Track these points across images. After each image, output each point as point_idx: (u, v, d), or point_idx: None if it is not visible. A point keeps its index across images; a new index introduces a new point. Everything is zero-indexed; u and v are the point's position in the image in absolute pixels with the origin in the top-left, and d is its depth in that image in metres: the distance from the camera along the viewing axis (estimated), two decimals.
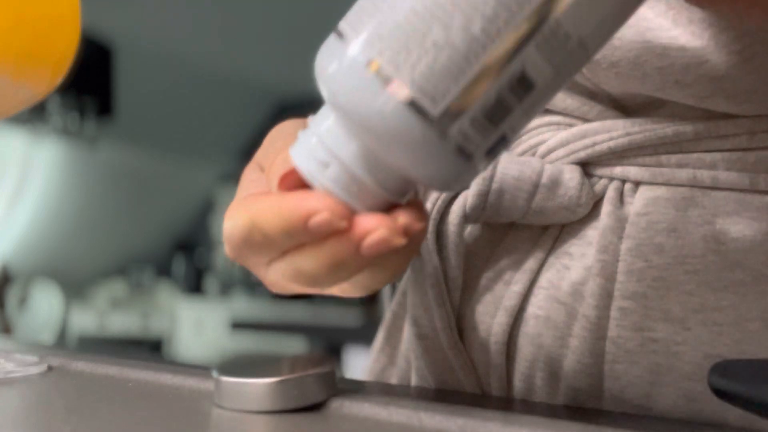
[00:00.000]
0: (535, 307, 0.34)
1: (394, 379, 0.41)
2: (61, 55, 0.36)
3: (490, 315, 0.35)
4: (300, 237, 0.24)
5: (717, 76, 0.29)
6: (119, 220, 4.40)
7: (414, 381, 0.39)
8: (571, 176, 0.33)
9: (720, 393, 0.24)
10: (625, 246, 0.32)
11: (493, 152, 0.23)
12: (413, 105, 0.21)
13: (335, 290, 0.28)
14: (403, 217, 0.24)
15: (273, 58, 3.83)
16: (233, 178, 4.89)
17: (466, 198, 0.34)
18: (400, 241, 0.24)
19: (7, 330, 3.68)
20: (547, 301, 0.34)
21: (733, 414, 0.30)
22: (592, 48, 0.23)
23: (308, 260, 0.24)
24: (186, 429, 0.24)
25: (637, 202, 0.32)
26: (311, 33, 3.49)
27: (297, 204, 0.24)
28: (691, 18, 0.29)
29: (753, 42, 0.29)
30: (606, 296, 0.32)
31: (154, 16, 3.48)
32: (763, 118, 0.30)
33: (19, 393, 0.30)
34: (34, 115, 3.56)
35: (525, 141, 0.35)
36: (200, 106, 4.35)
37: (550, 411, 0.30)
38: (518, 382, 0.35)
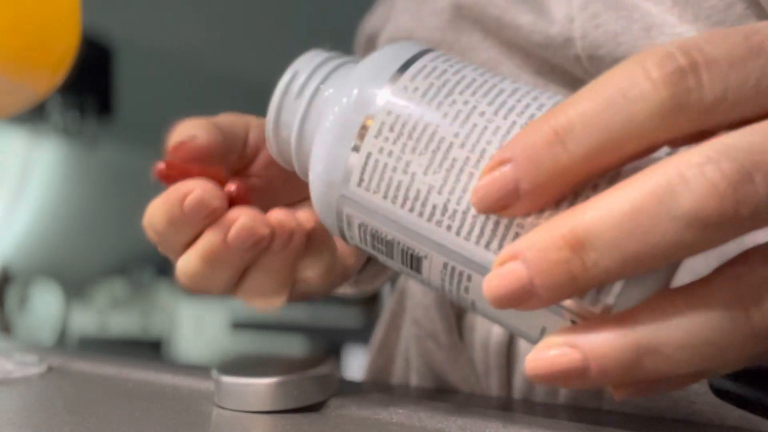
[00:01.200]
0: None
1: (392, 378, 0.42)
2: (61, 55, 0.36)
3: None
4: (182, 227, 0.24)
5: None
6: (119, 220, 4.40)
7: (414, 381, 0.39)
8: None
9: (719, 392, 0.24)
10: None
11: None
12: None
13: (247, 298, 0.28)
14: (280, 214, 0.25)
15: (273, 58, 3.83)
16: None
17: None
18: (263, 230, 0.24)
19: (7, 330, 3.68)
20: None
21: (733, 415, 0.30)
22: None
23: (187, 256, 0.25)
24: (186, 429, 0.24)
25: None
26: (311, 33, 3.50)
27: (175, 189, 0.25)
28: (697, 15, 0.29)
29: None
30: None
31: (154, 16, 3.48)
32: None
33: (19, 393, 0.30)
34: (34, 115, 3.56)
35: None
36: (200, 106, 4.34)
37: (550, 411, 0.30)
38: (519, 383, 0.35)
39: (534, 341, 0.21)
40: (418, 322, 0.36)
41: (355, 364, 1.84)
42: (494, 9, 0.35)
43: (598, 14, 0.31)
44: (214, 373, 0.28)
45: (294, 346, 3.09)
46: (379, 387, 0.32)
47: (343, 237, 0.24)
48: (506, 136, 0.20)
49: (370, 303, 3.50)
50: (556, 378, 0.18)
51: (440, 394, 0.35)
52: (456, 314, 0.36)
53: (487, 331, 0.36)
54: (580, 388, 0.21)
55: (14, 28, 0.34)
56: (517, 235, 0.19)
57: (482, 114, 0.20)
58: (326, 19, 3.50)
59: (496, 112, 0.20)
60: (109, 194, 4.27)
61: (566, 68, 0.33)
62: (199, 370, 0.35)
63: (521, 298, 0.17)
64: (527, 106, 0.20)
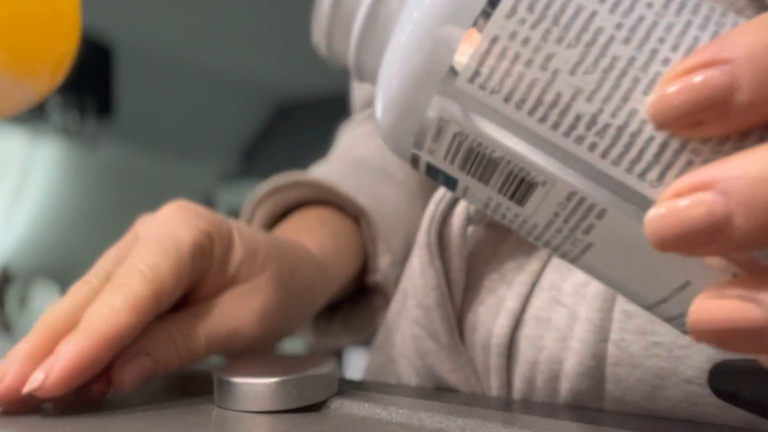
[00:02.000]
0: (536, 309, 0.34)
1: (392, 378, 0.42)
2: (61, 55, 0.36)
3: (492, 316, 0.35)
4: None
5: None
6: (119, 220, 4.39)
7: (414, 381, 0.39)
8: None
9: (719, 393, 0.24)
10: None
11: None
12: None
13: None
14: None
15: (272, 58, 3.83)
16: (233, 178, 4.89)
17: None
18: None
19: (7, 330, 3.68)
20: (548, 303, 0.34)
21: (734, 417, 0.30)
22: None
23: None
24: (186, 429, 0.24)
25: None
26: (310, 34, 3.50)
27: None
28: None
29: None
30: (609, 299, 0.32)
31: (154, 16, 3.48)
32: None
33: None
34: (34, 115, 3.56)
35: None
36: (200, 106, 4.34)
37: (550, 411, 0.30)
38: (519, 384, 0.35)
39: (656, 300, 0.18)
40: (418, 322, 0.36)
41: (355, 364, 1.84)
42: None
43: None
44: (214, 373, 0.28)
45: (294, 346, 3.08)
46: (379, 387, 0.32)
47: (414, 159, 0.19)
48: (682, 36, 0.16)
49: None
50: (732, 338, 0.15)
51: (440, 394, 0.35)
52: (457, 315, 0.36)
53: (488, 332, 0.35)
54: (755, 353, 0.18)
55: (14, 28, 0.34)
56: (689, 165, 0.16)
57: (650, 5, 0.16)
58: None
59: (666, 5, 0.16)
60: (109, 194, 4.27)
61: None
62: (199, 370, 0.35)
63: (704, 239, 0.14)
64: (698, 3, 0.17)
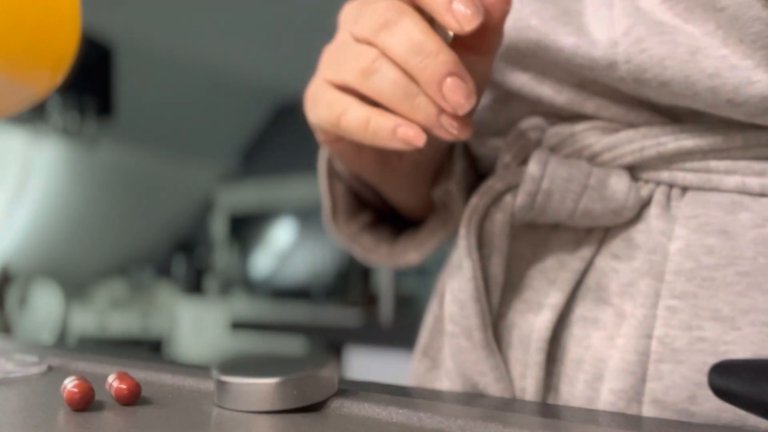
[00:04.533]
0: (583, 308, 0.34)
1: (438, 383, 0.40)
2: (61, 55, 0.36)
3: (533, 312, 0.35)
4: None
5: (767, 95, 0.29)
6: (119, 220, 4.40)
7: (445, 385, 0.38)
8: (618, 179, 0.33)
9: (720, 392, 0.24)
10: (674, 246, 0.32)
11: None
12: None
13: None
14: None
15: (272, 58, 3.83)
16: (233, 178, 4.89)
17: (515, 196, 0.34)
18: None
19: (7, 330, 3.68)
20: (595, 302, 0.34)
21: (733, 417, 0.30)
22: None
23: None
24: (186, 429, 0.24)
25: (686, 205, 0.32)
26: (310, 34, 3.50)
27: None
28: (742, 38, 0.30)
29: None
30: (653, 295, 0.32)
31: (154, 16, 3.48)
32: None
33: (19, 393, 0.30)
34: (34, 115, 3.56)
35: (570, 144, 0.35)
36: (200, 106, 4.35)
37: (550, 411, 0.30)
38: (560, 385, 0.34)
39: None
40: (453, 318, 0.35)
41: (355, 364, 1.84)
42: (534, 33, 0.35)
43: (642, 39, 0.31)
44: (214, 373, 0.28)
45: (294, 346, 3.09)
46: (379, 387, 0.32)
47: None
48: None
49: (370, 303, 3.50)
50: None
51: (440, 394, 0.35)
52: (494, 314, 0.36)
53: (529, 327, 0.35)
54: None
55: (14, 28, 0.34)
56: None
57: None
58: (325, 21, 3.50)
59: None
60: (109, 194, 4.27)
61: (609, 84, 0.33)
62: (199, 370, 0.35)
63: None
64: None
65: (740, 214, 0.31)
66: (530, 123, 0.36)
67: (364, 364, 1.83)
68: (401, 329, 1.76)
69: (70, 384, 0.27)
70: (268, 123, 4.82)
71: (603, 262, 0.34)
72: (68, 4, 0.36)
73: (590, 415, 0.29)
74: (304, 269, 4.51)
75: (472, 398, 0.33)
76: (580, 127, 0.35)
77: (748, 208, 0.31)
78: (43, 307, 3.96)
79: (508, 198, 0.34)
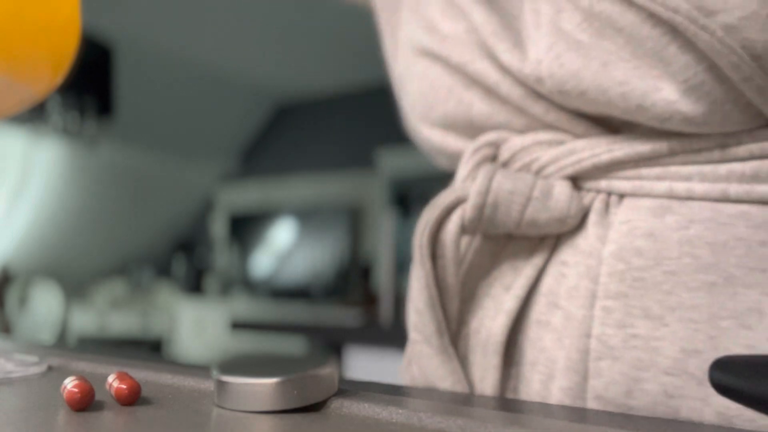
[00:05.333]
0: (537, 313, 0.36)
1: None
2: (61, 55, 0.36)
3: (491, 318, 0.37)
4: None
5: (671, 100, 0.32)
6: (119, 220, 4.40)
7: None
8: (561, 190, 0.35)
9: (721, 388, 0.24)
10: (607, 250, 0.34)
11: None
12: None
13: None
14: None
15: (272, 58, 3.83)
16: (233, 178, 4.89)
17: (464, 210, 0.36)
18: None
19: (7, 330, 3.68)
20: (547, 307, 0.36)
21: (711, 410, 0.31)
22: None
23: None
24: (186, 429, 0.24)
25: (622, 212, 0.35)
26: (310, 34, 3.50)
27: None
28: (645, 52, 0.32)
29: (698, 71, 0.31)
30: (591, 296, 0.34)
31: (154, 16, 3.48)
32: (734, 133, 0.32)
33: (19, 393, 0.30)
34: (34, 115, 3.56)
35: (520, 159, 0.37)
36: (200, 106, 4.35)
37: (550, 411, 0.30)
38: (521, 386, 0.36)
39: None
40: (415, 326, 0.38)
41: (355, 364, 1.84)
42: (458, 58, 0.39)
43: (560, 54, 0.34)
44: (214, 373, 0.28)
45: (294, 346, 3.09)
46: (379, 387, 0.32)
47: None
48: None
49: (370, 303, 3.50)
50: None
51: (440, 394, 0.35)
52: (456, 320, 0.38)
53: (487, 332, 0.37)
54: None
55: (14, 28, 0.34)
56: None
57: None
58: (325, 21, 3.50)
59: None
60: (109, 194, 4.27)
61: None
62: (199, 370, 0.35)
63: None
64: None
65: (666, 217, 0.33)
66: (486, 139, 0.38)
67: (364, 364, 1.83)
68: (401, 329, 1.76)
69: (70, 384, 0.27)
70: (268, 123, 4.82)
71: (553, 268, 0.36)
72: (68, 4, 0.36)
73: (594, 415, 0.29)
74: (304, 269, 4.51)
75: (472, 398, 0.33)
76: (528, 140, 0.37)
77: (675, 212, 0.33)
78: (43, 307, 3.96)
79: (458, 212, 0.37)
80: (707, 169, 0.33)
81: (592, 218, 0.35)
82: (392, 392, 0.30)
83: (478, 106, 0.39)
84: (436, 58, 0.41)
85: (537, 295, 0.36)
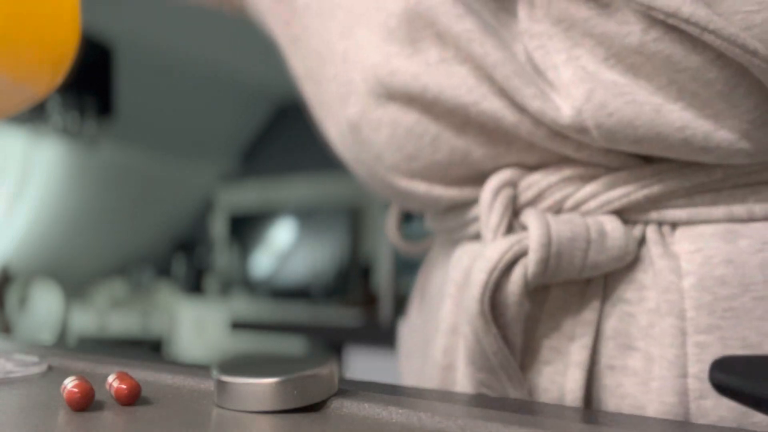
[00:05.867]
0: (607, 357, 0.34)
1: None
2: (61, 55, 0.36)
3: (561, 374, 0.35)
4: None
5: (734, 139, 0.30)
6: (119, 220, 4.40)
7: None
8: (613, 226, 0.33)
9: (720, 388, 0.24)
10: (687, 283, 0.32)
11: None
12: None
13: None
14: None
15: (272, 58, 3.82)
16: (233, 178, 4.89)
17: (526, 266, 0.33)
18: None
19: (7, 330, 3.68)
20: (619, 350, 0.34)
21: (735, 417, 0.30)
22: None
23: None
24: (186, 429, 0.24)
25: (682, 241, 0.33)
26: None
27: None
28: (696, 92, 0.30)
29: (764, 111, 0.30)
30: (679, 334, 0.32)
31: (154, 16, 3.48)
32: None
33: (19, 393, 0.30)
34: (34, 115, 3.56)
35: (548, 196, 0.35)
36: (200, 106, 4.35)
37: (550, 411, 0.30)
38: None
39: None
40: (484, 383, 0.36)
41: (355, 364, 1.84)
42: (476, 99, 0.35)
43: (605, 103, 0.31)
44: (214, 373, 0.28)
45: (294, 346, 3.09)
46: (379, 387, 0.32)
47: None
48: None
49: (370, 303, 3.50)
50: None
51: (440, 394, 0.35)
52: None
53: (560, 390, 0.35)
54: None
55: (14, 28, 0.34)
56: None
57: None
58: None
59: None
60: (109, 194, 4.27)
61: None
62: (199, 370, 0.35)
63: None
64: None
65: (738, 241, 0.32)
66: (501, 178, 0.35)
67: (364, 364, 1.83)
68: None
69: (70, 384, 0.27)
70: (268, 123, 4.82)
71: (615, 307, 0.34)
72: (68, 4, 0.36)
73: (594, 415, 0.29)
74: (304, 269, 4.51)
75: (472, 398, 0.33)
76: (555, 177, 0.35)
77: (745, 235, 0.32)
78: (43, 307, 3.96)
79: (520, 269, 0.34)
80: (762, 189, 0.32)
81: (654, 251, 0.33)
82: (392, 392, 0.30)
83: (479, 151, 0.36)
84: (412, 100, 0.36)
85: (602, 339, 0.34)
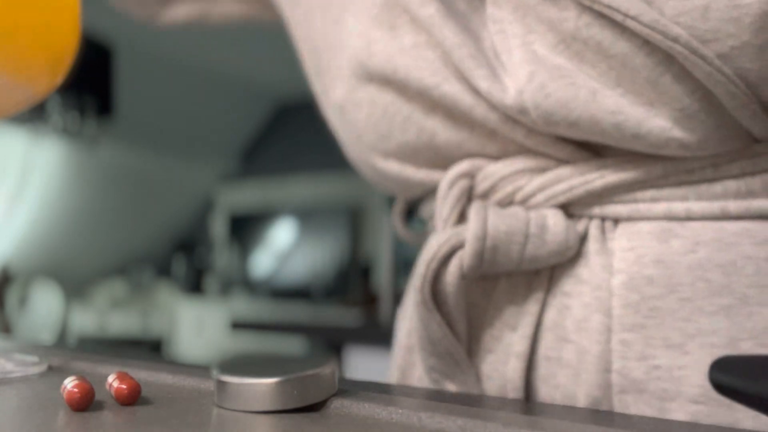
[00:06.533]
0: (545, 348, 0.35)
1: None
2: (61, 55, 0.36)
3: (502, 363, 0.36)
4: None
5: (666, 127, 0.31)
6: (119, 220, 4.40)
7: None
8: (556, 221, 0.34)
9: (720, 388, 0.24)
10: (617, 281, 0.33)
11: None
12: None
13: None
14: None
15: (272, 58, 3.83)
16: (233, 178, 4.89)
17: (462, 258, 0.35)
18: None
19: (7, 330, 3.68)
20: (556, 342, 0.35)
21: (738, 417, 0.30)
22: None
23: None
24: (186, 429, 0.24)
25: (621, 237, 0.34)
26: None
27: None
28: (634, 79, 0.31)
29: (694, 100, 0.30)
30: (605, 330, 0.33)
31: None
32: (726, 151, 0.32)
33: (19, 393, 0.30)
34: (34, 115, 3.56)
35: (501, 188, 0.36)
36: (200, 106, 4.35)
37: (550, 411, 0.30)
38: None
39: None
40: (435, 368, 0.37)
41: (355, 364, 1.84)
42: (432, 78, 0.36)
43: (545, 84, 0.32)
44: (214, 373, 0.28)
45: (294, 346, 3.09)
46: (379, 387, 0.32)
47: None
48: None
49: (370, 303, 3.50)
50: None
51: (440, 394, 0.35)
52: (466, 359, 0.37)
53: (501, 378, 0.36)
54: None
55: (14, 28, 0.34)
56: None
57: None
58: None
59: None
60: (109, 194, 4.27)
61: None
62: (199, 370, 0.35)
63: None
64: None
65: (671, 241, 0.33)
66: (459, 169, 0.36)
67: (364, 364, 1.83)
68: None
69: (70, 384, 0.27)
70: (268, 123, 4.82)
71: (555, 300, 0.35)
72: (68, 4, 0.36)
73: (593, 415, 0.29)
74: (304, 269, 4.51)
75: (472, 398, 0.33)
76: (509, 169, 0.35)
77: (679, 235, 0.33)
78: (43, 307, 3.96)
79: (456, 260, 0.35)
80: (702, 188, 0.32)
81: (592, 247, 0.34)
82: (392, 392, 0.30)
83: (443, 134, 0.36)
84: (387, 82, 0.37)
85: (542, 330, 0.35)
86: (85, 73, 2.80)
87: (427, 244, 0.35)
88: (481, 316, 0.37)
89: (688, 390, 0.31)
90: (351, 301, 3.97)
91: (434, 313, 0.35)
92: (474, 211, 0.35)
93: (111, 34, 3.64)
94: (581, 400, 0.33)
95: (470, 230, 0.34)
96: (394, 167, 0.40)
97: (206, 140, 4.60)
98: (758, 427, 0.30)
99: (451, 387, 0.37)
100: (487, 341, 0.37)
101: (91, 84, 3.67)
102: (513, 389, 0.35)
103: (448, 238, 0.35)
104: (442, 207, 0.37)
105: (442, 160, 0.38)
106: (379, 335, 1.81)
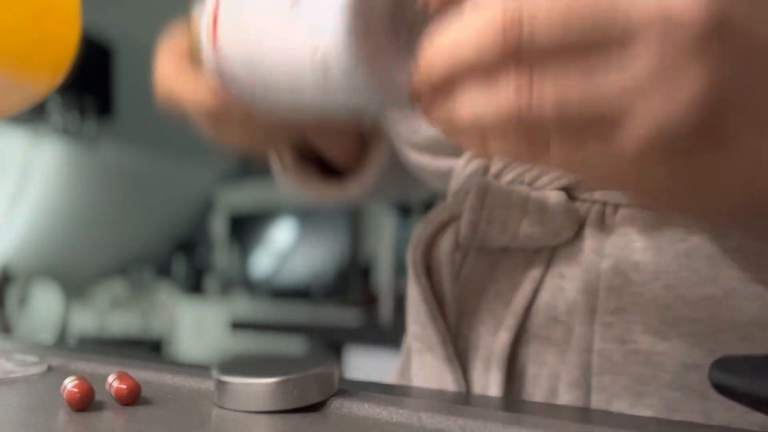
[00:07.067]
0: (536, 327, 0.36)
1: None
2: (61, 55, 0.36)
3: (491, 334, 0.37)
4: None
5: None
6: (119, 220, 4.40)
7: None
8: (557, 201, 0.35)
9: (720, 388, 0.24)
10: (605, 264, 0.33)
11: None
12: None
13: None
14: None
15: None
16: (233, 178, 4.89)
17: (458, 226, 0.36)
18: None
19: (7, 330, 3.68)
20: (547, 321, 0.35)
21: (717, 421, 0.31)
22: None
23: None
24: (186, 429, 0.24)
25: (617, 223, 0.34)
26: None
27: None
28: None
29: None
30: (590, 312, 0.33)
31: (154, 16, 3.48)
32: None
33: (19, 393, 0.30)
34: (34, 115, 3.56)
35: (512, 169, 0.37)
36: None
37: (550, 411, 0.30)
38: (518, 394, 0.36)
39: None
40: (417, 336, 0.38)
41: (355, 364, 1.84)
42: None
43: None
44: (214, 373, 0.28)
45: (294, 346, 3.09)
46: (379, 387, 0.32)
47: None
48: None
49: (370, 303, 3.50)
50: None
51: (440, 394, 0.35)
52: (453, 333, 0.38)
53: (488, 348, 0.37)
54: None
55: (14, 28, 0.34)
56: None
57: None
58: None
59: None
60: (109, 194, 4.27)
61: None
62: (199, 370, 0.35)
63: None
64: None
65: (665, 229, 0.33)
66: None
67: (364, 364, 1.83)
68: (401, 329, 1.76)
69: (70, 384, 0.27)
70: None
71: (551, 281, 0.36)
72: (68, 4, 0.36)
73: (593, 415, 0.29)
74: (304, 269, 4.51)
75: (472, 398, 0.33)
76: None
77: (673, 223, 0.33)
78: (43, 307, 3.96)
79: (452, 227, 0.36)
80: None
81: (588, 230, 0.34)
82: (392, 392, 0.30)
83: None
84: None
85: (536, 309, 0.36)
86: (85, 73, 2.81)
87: (429, 213, 0.37)
88: (480, 290, 0.38)
89: (664, 376, 0.32)
90: (351, 301, 3.97)
91: (421, 277, 0.36)
92: (477, 184, 0.36)
93: (111, 34, 3.64)
94: (563, 378, 0.34)
95: (468, 201, 0.36)
96: (426, 160, 0.42)
97: (206, 140, 4.59)
98: (731, 420, 0.30)
99: (429, 359, 0.37)
100: (481, 313, 0.38)
101: (91, 84, 3.67)
102: (498, 360, 0.36)
103: (448, 205, 0.37)
104: (454, 182, 0.39)
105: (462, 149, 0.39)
106: (379, 335, 1.81)
